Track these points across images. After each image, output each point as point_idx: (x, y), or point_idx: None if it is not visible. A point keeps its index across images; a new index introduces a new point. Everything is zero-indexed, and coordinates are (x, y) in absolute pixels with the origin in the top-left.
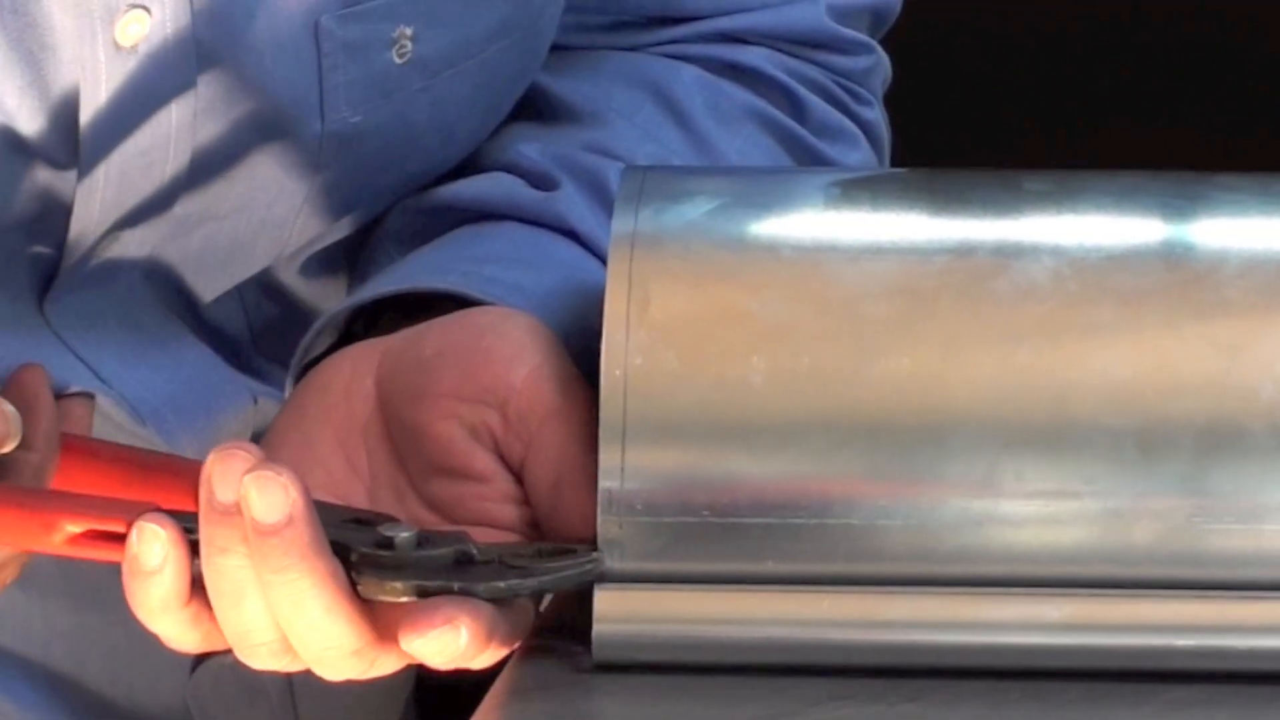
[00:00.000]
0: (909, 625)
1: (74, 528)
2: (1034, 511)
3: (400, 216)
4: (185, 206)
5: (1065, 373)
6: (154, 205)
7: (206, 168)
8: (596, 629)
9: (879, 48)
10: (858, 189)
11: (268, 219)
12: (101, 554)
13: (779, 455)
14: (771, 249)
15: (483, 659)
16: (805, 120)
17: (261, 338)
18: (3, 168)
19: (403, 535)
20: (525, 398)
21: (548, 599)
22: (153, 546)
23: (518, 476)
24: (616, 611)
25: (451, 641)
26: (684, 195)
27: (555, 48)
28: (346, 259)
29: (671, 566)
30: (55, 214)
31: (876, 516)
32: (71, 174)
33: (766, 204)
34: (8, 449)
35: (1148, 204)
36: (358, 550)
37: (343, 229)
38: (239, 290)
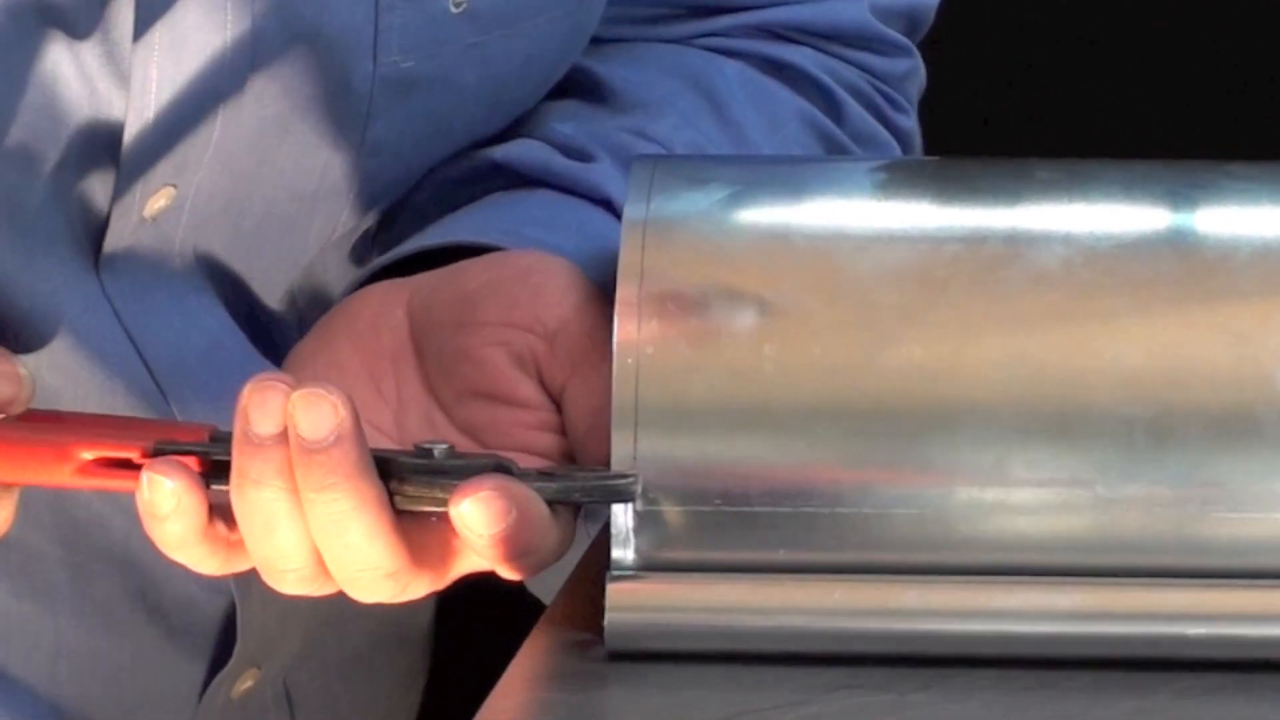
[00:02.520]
0: (920, 614)
1: (87, 454)
2: (1045, 500)
3: (431, 185)
4: (238, 155)
5: (1076, 361)
6: (204, 143)
7: (259, 104)
8: (609, 618)
9: (917, 54)
10: (869, 177)
11: (320, 189)
12: (114, 483)
13: (791, 444)
14: (783, 237)
15: (525, 561)
16: (843, 125)
17: None
18: (54, 95)
19: (440, 447)
20: (574, 328)
21: (584, 546)
22: (163, 496)
23: (557, 405)
24: (628, 601)
25: (501, 508)
26: (696, 183)
27: (597, 40)
28: None
29: (683, 556)
30: (105, 147)
31: (888, 505)
32: (122, 100)
33: (778, 192)
34: (17, 411)
35: (1159, 192)
36: (397, 462)
37: (386, 207)
38: (293, 298)
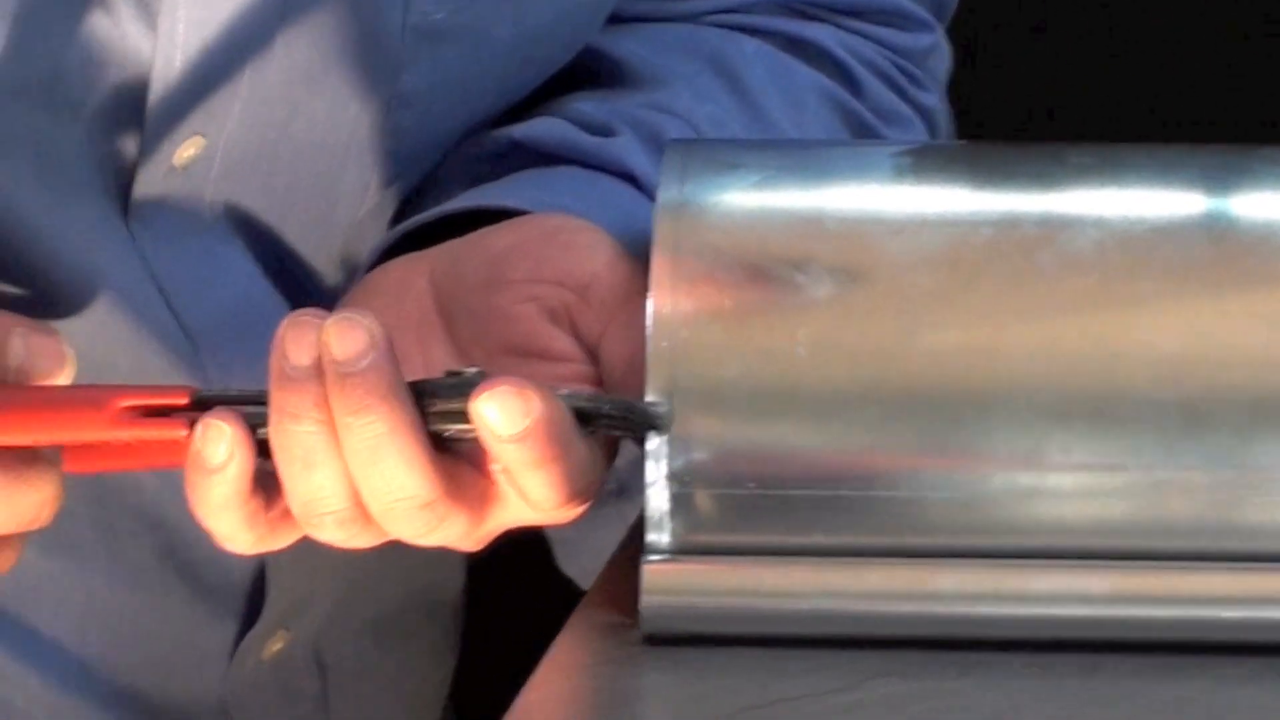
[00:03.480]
0: (955, 597)
1: (126, 403)
2: (1080, 484)
3: (453, 164)
4: (268, 105)
5: (1110, 345)
6: (233, 91)
7: (288, 53)
8: (644, 602)
9: (940, 31)
10: (902, 161)
11: (351, 143)
12: (153, 432)
13: (825, 428)
14: (817, 221)
15: (553, 483)
16: (862, 101)
17: None
18: (83, 39)
19: (470, 370)
20: (607, 281)
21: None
22: (218, 445)
23: (592, 357)
24: (664, 584)
25: (521, 406)
26: (729, 168)
27: (615, 19)
28: None
29: (719, 539)
30: (134, 93)
31: (923, 489)
32: (150, 45)
33: (811, 176)
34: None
35: (1193, 176)
36: (429, 384)
37: (418, 174)
38: (327, 274)
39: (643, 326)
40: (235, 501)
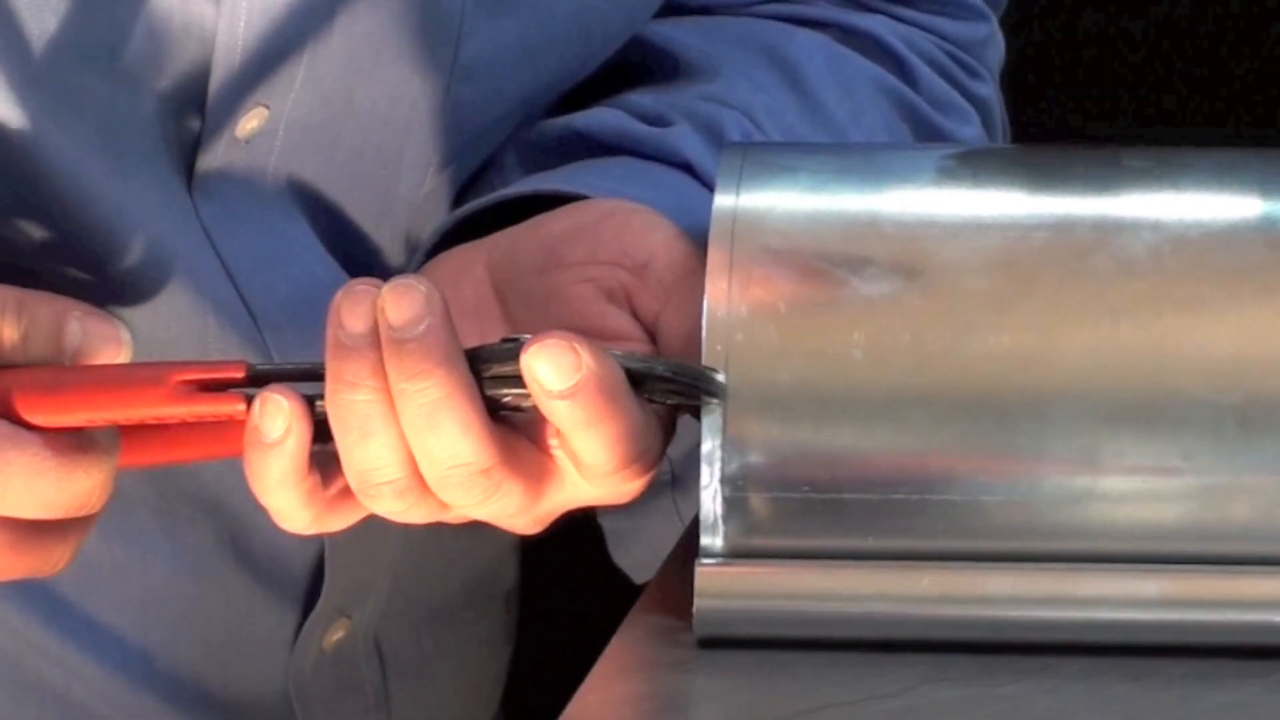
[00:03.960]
0: (1009, 601)
1: (182, 377)
2: (1134, 487)
3: (511, 152)
4: (330, 76)
5: (1165, 349)
6: (295, 62)
7: (349, 22)
8: (697, 604)
9: (995, 20)
10: (958, 164)
11: (413, 118)
12: (210, 407)
13: (880, 431)
14: (872, 224)
15: (605, 445)
16: (918, 92)
17: None
18: (147, 9)
19: (525, 336)
20: (663, 260)
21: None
22: (275, 419)
23: (651, 334)
24: (718, 587)
25: (571, 361)
26: (785, 171)
27: (670, 10)
28: None
29: (772, 542)
30: (198, 64)
31: (977, 492)
32: (214, 14)
33: (867, 179)
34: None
35: (1249, 181)
36: (485, 349)
37: (478, 155)
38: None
39: (700, 304)
40: (293, 477)
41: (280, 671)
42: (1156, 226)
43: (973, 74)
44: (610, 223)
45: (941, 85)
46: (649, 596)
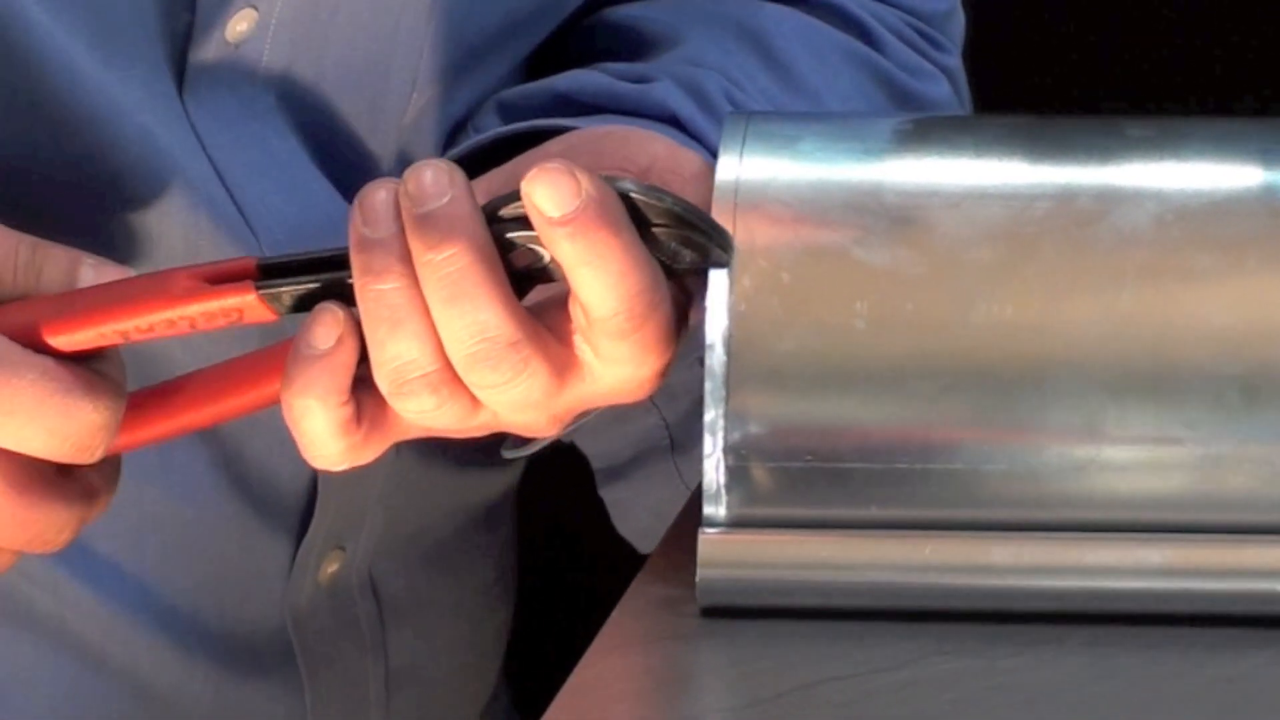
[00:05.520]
0: (1011, 570)
1: (193, 274)
2: (1136, 457)
3: (493, 114)
4: None
5: (1167, 318)
6: None
7: None
8: (700, 574)
9: None
10: (960, 134)
11: (399, 28)
12: (221, 301)
13: (882, 401)
14: (875, 194)
15: (609, 295)
16: (887, 59)
17: None
18: None
19: None
20: (666, 163)
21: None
22: (329, 329)
23: None
24: (721, 556)
25: (571, 185)
26: (787, 141)
27: None
28: None
29: (775, 511)
30: None
31: (979, 462)
32: None
33: (869, 149)
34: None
35: (1251, 150)
36: (497, 201)
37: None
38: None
39: (708, 198)
40: (335, 397)
41: (277, 607)
42: (1159, 196)
43: (938, 45)
44: (610, 138)
45: (908, 52)
46: (652, 567)
